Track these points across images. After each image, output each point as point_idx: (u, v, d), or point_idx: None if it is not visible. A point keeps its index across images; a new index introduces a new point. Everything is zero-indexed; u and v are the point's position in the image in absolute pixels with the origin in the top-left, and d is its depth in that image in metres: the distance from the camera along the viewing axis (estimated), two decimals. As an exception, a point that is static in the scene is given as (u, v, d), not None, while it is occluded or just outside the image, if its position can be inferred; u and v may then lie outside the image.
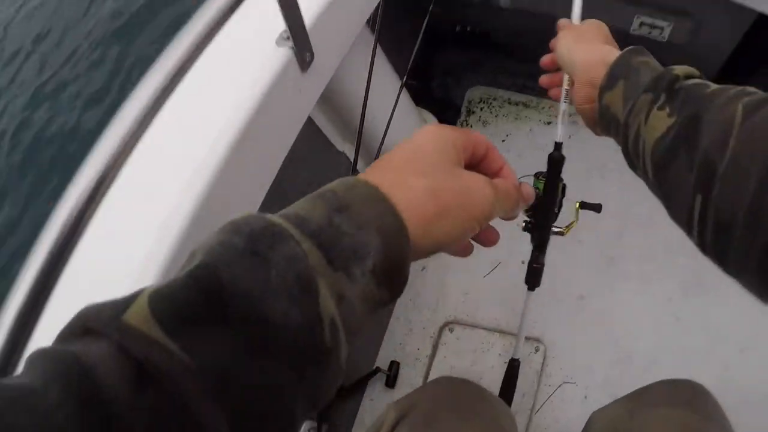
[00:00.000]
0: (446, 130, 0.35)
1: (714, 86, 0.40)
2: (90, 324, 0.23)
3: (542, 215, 0.72)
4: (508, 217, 0.39)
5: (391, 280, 0.30)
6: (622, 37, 0.57)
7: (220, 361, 0.23)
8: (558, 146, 0.67)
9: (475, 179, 0.35)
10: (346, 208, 0.29)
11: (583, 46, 0.57)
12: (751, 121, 0.34)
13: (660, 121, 0.41)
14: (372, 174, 0.32)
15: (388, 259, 0.29)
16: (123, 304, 0.23)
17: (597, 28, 0.60)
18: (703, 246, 0.38)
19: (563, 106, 0.65)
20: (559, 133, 0.67)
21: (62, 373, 0.21)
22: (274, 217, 0.28)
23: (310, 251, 0.26)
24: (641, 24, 1.18)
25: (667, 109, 0.41)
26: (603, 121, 0.51)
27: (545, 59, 0.66)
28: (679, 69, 0.44)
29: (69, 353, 0.22)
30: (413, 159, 0.33)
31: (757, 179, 0.32)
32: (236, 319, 0.23)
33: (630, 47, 0.51)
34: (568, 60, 0.57)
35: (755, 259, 0.32)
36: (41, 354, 0.22)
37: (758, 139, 0.33)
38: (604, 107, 0.50)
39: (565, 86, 0.64)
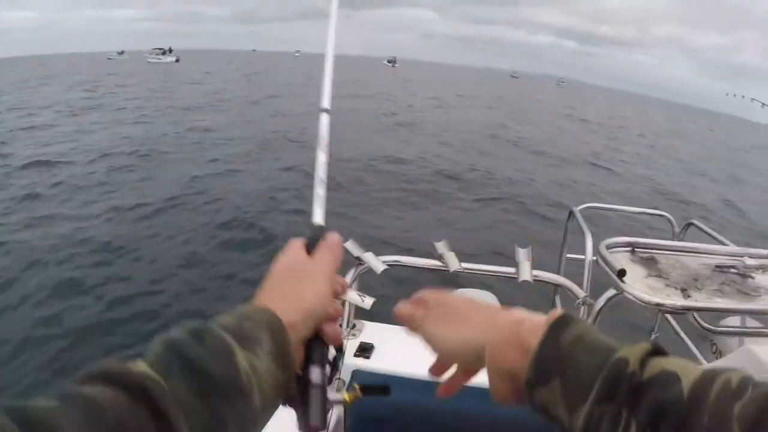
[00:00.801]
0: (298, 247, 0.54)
1: (686, 379, 0.33)
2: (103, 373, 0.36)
3: None
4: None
5: (284, 357, 0.45)
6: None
7: (187, 393, 0.38)
8: None
9: (315, 260, 0.53)
10: (248, 317, 0.46)
11: (479, 321, 0.48)
12: None
13: None
14: (263, 294, 0.50)
15: (276, 344, 0.45)
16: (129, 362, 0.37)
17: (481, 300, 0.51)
18: None
19: None
20: None
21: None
22: (208, 322, 0.44)
23: (229, 338, 0.42)
24: None
25: (634, 427, 0.34)
26: (545, 418, 0.42)
27: (434, 366, 0.53)
28: (631, 356, 0.36)
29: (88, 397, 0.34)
30: (282, 272, 0.52)
31: None
32: (194, 371, 0.39)
33: (552, 317, 0.42)
34: (472, 345, 0.47)
35: None
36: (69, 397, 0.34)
37: None
38: (540, 407, 0.41)
39: None
